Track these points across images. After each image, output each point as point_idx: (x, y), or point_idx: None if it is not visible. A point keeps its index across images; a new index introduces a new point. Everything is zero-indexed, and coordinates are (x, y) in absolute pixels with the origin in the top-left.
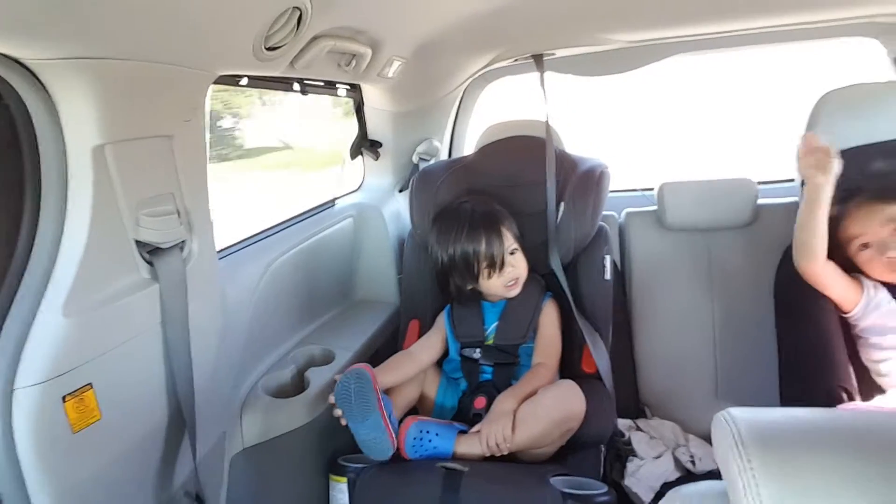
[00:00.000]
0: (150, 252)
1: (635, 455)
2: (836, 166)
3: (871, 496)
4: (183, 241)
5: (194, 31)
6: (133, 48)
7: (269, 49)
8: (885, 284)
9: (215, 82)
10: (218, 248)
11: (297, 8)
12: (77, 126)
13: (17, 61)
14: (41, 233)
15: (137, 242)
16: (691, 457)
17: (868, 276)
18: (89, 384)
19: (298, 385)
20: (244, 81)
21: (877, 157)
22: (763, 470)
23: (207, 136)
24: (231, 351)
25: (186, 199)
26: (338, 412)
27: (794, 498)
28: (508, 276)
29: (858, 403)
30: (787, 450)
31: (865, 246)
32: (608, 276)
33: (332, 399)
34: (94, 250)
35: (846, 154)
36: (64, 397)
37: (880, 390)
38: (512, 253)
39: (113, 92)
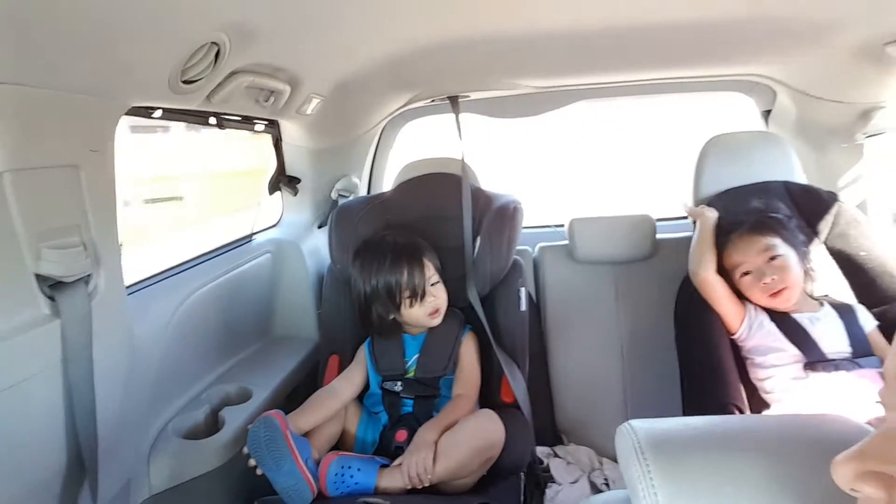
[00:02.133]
0: (52, 286)
1: (553, 481)
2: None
3: (756, 491)
4: (89, 276)
5: (108, 62)
6: (41, 75)
7: (185, 82)
8: (766, 309)
9: (127, 113)
10: (128, 283)
11: (216, 43)
12: None
13: None
14: None
15: (38, 276)
16: (605, 479)
17: (750, 302)
18: None
19: (213, 426)
20: (158, 114)
21: (754, 195)
22: (659, 472)
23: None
24: (139, 392)
25: (94, 231)
26: (252, 462)
27: (687, 496)
28: (430, 305)
29: None
30: (681, 453)
31: (746, 273)
32: (524, 307)
33: (245, 450)
34: None
35: (730, 193)
36: None
37: (767, 406)
38: (433, 284)
39: (16, 118)
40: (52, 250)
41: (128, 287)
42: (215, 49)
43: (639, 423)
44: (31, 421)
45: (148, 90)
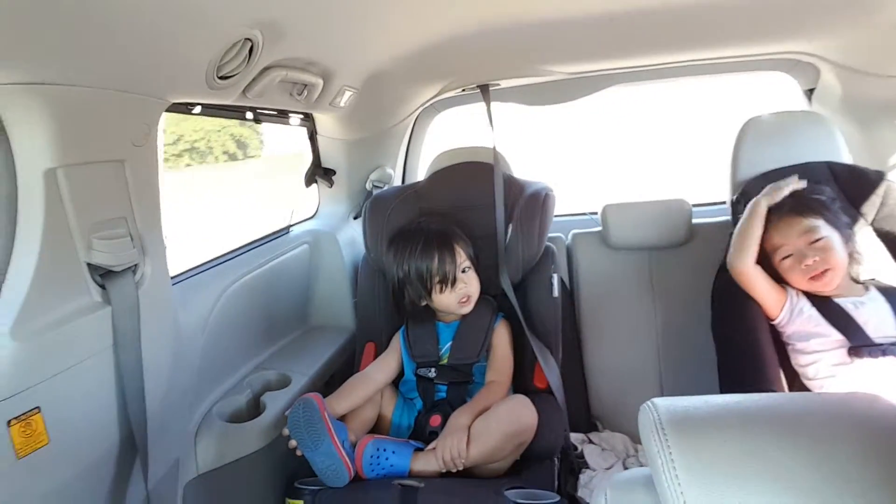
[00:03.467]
0: (103, 275)
1: (588, 467)
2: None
3: (770, 464)
4: (136, 265)
5: (148, 60)
6: (87, 75)
7: (221, 78)
8: (807, 294)
9: (168, 110)
10: (173, 274)
11: (249, 39)
12: (29, 150)
13: None
14: None
15: (89, 265)
16: (640, 466)
17: (791, 286)
18: (37, 408)
19: (254, 410)
20: (197, 109)
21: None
22: (678, 448)
23: (161, 160)
24: (185, 376)
25: (139, 222)
26: (293, 443)
27: (706, 471)
28: (460, 292)
29: None
30: (700, 430)
31: (787, 256)
32: (556, 293)
33: (286, 431)
34: (44, 273)
35: (770, 175)
36: (9, 421)
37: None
38: (464, 271)
39: (66, 117)
40: (101, 241)
41: (172, 277)
42: (249, 45)
43: (661, 401)
44: (85, 402)
45: (186, 86)
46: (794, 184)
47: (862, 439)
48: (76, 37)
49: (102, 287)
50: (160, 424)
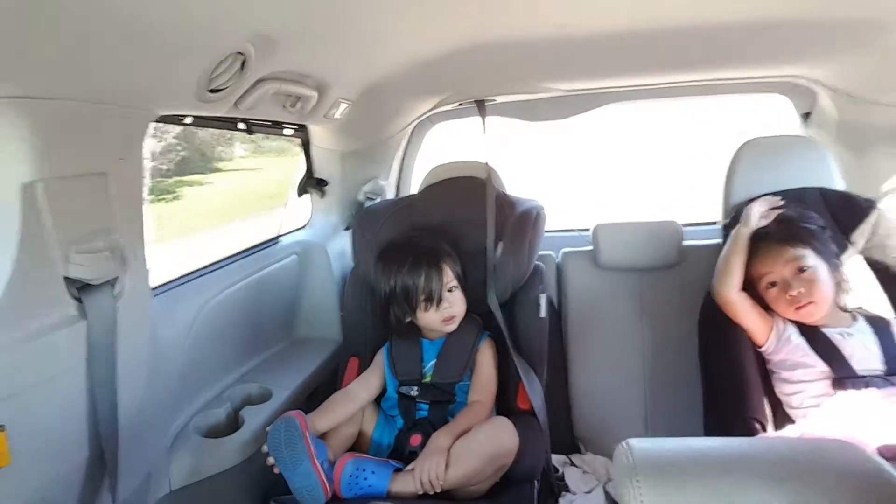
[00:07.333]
0: (80, 288)
1: (568, 490)
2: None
3: None
4: (115, 278)
5: (134, 74)
6: (70, 89)
7: (211, 91)
8: (795, 323)
9: (157, 121)
10: (155, 285)
11: (241, 53)
12: (5, 163)
13: None
14: None
15: (67, 279)
16: None
17: (778, 315)
18: (1, 426)
19: (233, 424)
20: (188, 120)
21: (788, 202)
22: (651, 496)
23: (146, 172)
24: (162, 390)
25: (121, 235)
26: (270, 460)
27: None
28: (445, 311)
29: (770, 434)
30: (676, 477)
31: (772, 284)
32: (543, 314)
33: (265, 448)
34: (17, 286)
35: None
36: None
37: (792, 421)
38: (450, 290)
39: (46, 130)
40: (80, 254)
41: (154, 288)
42: (241, 59)
43: (637, 443)
44: (55, 416)
45: (174, 100)
46: (773, 203)
47: (836, 487)
48: (67, 52)
49: (79, 300)
50: (133, 439)
